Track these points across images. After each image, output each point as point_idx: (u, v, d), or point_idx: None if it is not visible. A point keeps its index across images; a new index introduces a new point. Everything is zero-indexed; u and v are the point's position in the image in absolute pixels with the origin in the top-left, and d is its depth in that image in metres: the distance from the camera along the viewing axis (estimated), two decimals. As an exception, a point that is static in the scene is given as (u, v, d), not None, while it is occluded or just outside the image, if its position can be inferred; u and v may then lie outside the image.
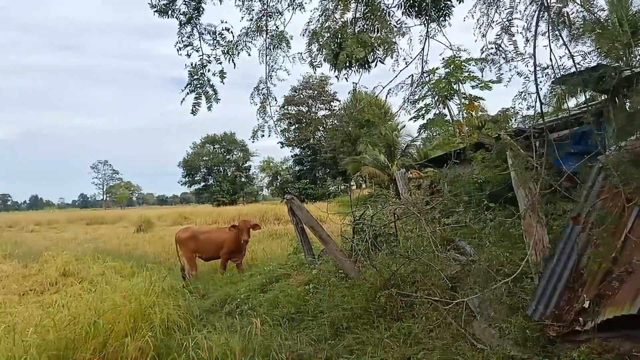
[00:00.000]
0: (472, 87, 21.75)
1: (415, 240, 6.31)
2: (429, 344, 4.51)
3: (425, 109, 24.46)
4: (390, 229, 6.91)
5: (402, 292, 5.34)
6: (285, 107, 63.89)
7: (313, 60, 6.07)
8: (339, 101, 65.49)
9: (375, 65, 6.15)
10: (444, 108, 23.45)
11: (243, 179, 79.13)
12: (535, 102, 4.78)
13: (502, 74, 5.20)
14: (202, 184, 79.64)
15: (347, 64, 5.81)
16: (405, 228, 7.07)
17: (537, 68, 4.59)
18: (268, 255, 12.26)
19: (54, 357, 4.08)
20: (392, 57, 5.64)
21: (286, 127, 65.76)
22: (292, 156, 68.50)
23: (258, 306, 6.84)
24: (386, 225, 6.76)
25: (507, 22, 5.24)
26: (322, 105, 67.29)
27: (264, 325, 5.26)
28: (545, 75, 4.79)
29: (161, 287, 5.92)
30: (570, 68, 4.86)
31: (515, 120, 6.77)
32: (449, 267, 5.69)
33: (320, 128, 66.68)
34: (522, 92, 4.91)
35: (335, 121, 62.84)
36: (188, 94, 5.67)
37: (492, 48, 5.30)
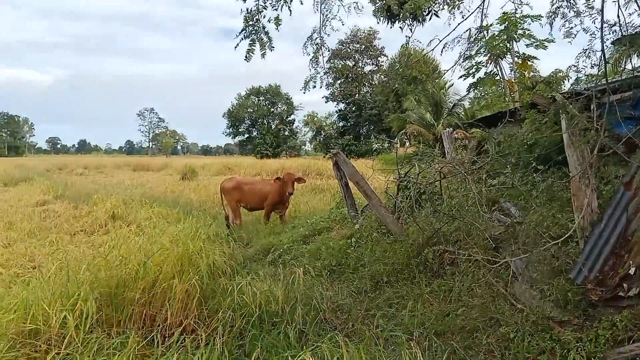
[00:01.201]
0: (527, 45, 20.90)
1: (460, 200, 6.25)
2: (469, 301, 4.54)
3: (476, 67, 23.74)
4: (435, 187, 6.86)
5: (446, 250, 5.35)
6: (332, 60, 63.02)
7: (376, 12, 5.93)
8: (387, 56, 64.20)
9: (430, 18, 6.00)
10: (496, 67, 22.71)
11: (286, 133, 79.33)
12: (600, 60, 4.58)
13: (572, 27, 4.97)
14: (246, 135, 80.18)
15: (410, 14, 5.65)
16: (451, 187, 7.00)
17: (604, 25, 4.38)
18: (310, 209, 12.40)
19: (106, 294, 4.28)
20: (456, 8, 5.46)
21: (331, 81, 65.08)
22: (336, 111, 67.99)
23: (300, 257, 6.99)
24: (431, 184, 6.70)
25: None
26: (369, 60, 66.10)
27: (306, 275, 5.38)
28: (613, 32, 4.57)
29: (206, 234, 6.07)
30: (639, 26, 4.62)
31: (569, 81, 6.53)
32: (493, 227, 5.64)
33: (366, 83, 65.76)
34: (586, 50, 4.71)
35: (382, 77, 61.74)
36: (242, 40, 5.66)
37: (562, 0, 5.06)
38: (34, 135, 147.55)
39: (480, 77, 24.29)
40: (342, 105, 66.45)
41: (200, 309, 4.41)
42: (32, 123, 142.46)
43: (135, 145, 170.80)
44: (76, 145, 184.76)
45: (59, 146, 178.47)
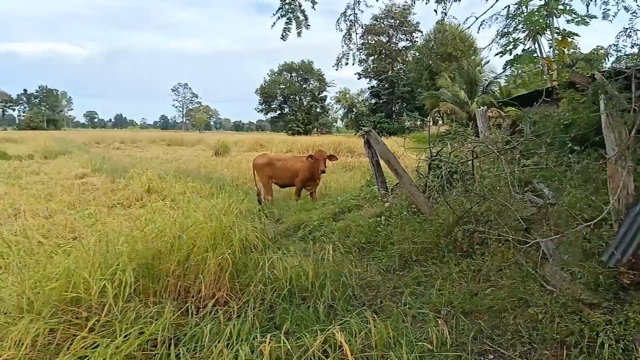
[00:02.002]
0: (567, 21, 20.17)
1: (492, 180, 6.20)
2: (498, 282, 4.54)
3: (513, 43, 23.14)
4: (467, 167, 6.82)
5: (476, 230, 5.34)
6: (365, 36, 62.30)
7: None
8: (421, 32, 63.19)
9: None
10: (534, 44, 22.09)
11: (318, 109, 79.18)
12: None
13: (608, 9, 4.82)
14: (278, 112, 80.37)
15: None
16: (483, 167, 6.94)
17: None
18: (341, 186, 12.45)
19: (142, 266, 4.41)
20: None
21: (364, 57, 64.41)
22: (368, 88, 67.49)
23: (330, 233, 7.05)
24: (463, 163, 6.66)
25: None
26: (403, 36, 65.23)
27: (336, 252, 5.43)
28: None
29: (239, 209, 6.17)
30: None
31: (609, 59, 6.35)
32: (525, 208, 5.59)
33: (400, 60, 64.90)
34: (627, 29, 4.58)
35: (416, 53, 60.83)
36: (279, 18, 5.68)
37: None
38: (72, 109, 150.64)
39: (517, 55, 23.67)
40: (374, 82, 65.91)
41: (232, 282, 4.53)
42: (70, 97, 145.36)
43: (170, 120, 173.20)
44: (112, 120, 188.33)
45: (96, 120, 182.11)
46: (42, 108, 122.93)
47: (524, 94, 15.32)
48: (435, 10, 5.90)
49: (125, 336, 3.39)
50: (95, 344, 3.39)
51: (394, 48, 64.81)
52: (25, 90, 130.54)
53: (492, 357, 3.61)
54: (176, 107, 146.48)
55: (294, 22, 5.66)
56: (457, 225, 5.50)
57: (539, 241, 4.59)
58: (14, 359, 3.27)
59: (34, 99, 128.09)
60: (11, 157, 22.94)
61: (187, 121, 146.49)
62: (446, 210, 5.92)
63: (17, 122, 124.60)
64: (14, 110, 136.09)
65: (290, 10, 5.61)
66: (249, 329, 3.66)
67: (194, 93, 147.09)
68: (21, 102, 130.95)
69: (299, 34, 5.68)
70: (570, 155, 6.11)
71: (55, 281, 3.93)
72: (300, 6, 5.66)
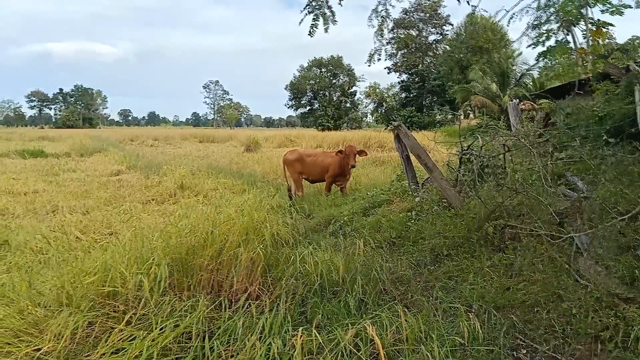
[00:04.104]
0: (602, 11, 19.65)
1: (524, 174, 6.11)
2: (530, 276, 4.48)
3: (546, 35, 22.67)
4: (498, 160, 6.73)
5: (508, 224, 5.28)
6: (395, 30, 61.81)
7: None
8: (452, 25, 62.38)
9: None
10: (568, 34, 21.60)
11: (348, 105, 78.95)
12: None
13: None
14: (308, 107, 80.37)
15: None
16: (515, 160, 6.84)
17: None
18: (371, 181, 12.43)
19: (176, 260, 4.49)
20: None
21: (394, 51, 63.93)
22: (398, 82, 67.08)
23: (360, 228, 7.06)
24: (495, 157, 6.58)
25: None
26: (433, 29, 64.48)
27: (366, 247, 5.44)
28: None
29: (270, 205, 6.22)
30: None
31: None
32: (558, 202, 5.50)
33: (430, 53, 64.20)
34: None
35: (447, 46, 60.11)
36: (306, 15, 5.70)
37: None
38: (106, 107, 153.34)
39: (550, 46, 23.18)
40: (404, 76, 65.44)
41: (264, 276, 4.58)
42: (104, 95, 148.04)
43: (201, 117, 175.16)
44: (146, 117, 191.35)
45: (130, 118, 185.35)
46: (78, 107, 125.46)
47: (557, 85, 15.01)
48: (467, 2, 5.83)
49: (160, 329, 3.46)
50: (132, 337, 3.47)
51: (424, 41, 64.17)
52: (61, 89, 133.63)
53: (524, 351, 3.58)
54: (207, 104, 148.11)
55: (321, 19, 5.68)
56: (488, 220, 5.45)
57: (572, 235, 4.52)
58: (54, 351, 3.38)
59: (69, 98, 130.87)
60: (48, 155, 23.57)
61: (218, 118, 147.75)
62: (477, 205, 5.87)
63: (53, 120, 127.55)
64: (50, 109, 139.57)
65: (317, 7, 5.63)
66: (281, 323, 3.70)
67: (225, 90, 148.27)
68: (57, 101, 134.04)
69: (326, 29, 5.71)
70: (604, 148, 5.98)
71: (93, 275, 4.03)
72: (327, 2, 5.67)
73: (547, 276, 4.36)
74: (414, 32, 63.93)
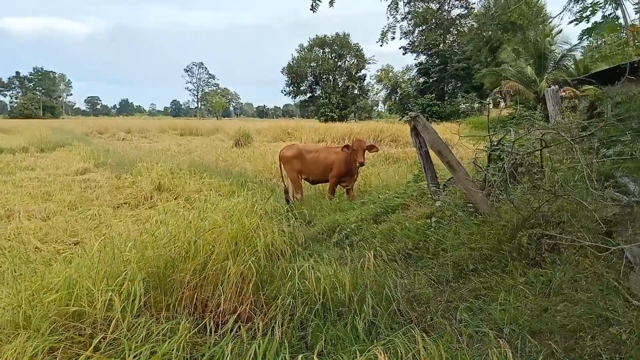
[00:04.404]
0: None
1: (565, 174, 6.10)
2: (572, 295, 4.47)
3: (591, 9, 22.63)
4: (534, 158, 6.72)
5: (545, 234, 5.27)
6: (411, 3, 61.82)
7: None
8: (479, -3, 62.34)
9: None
10: (617, 8, 21.56)
11: (356, 91, 78.98)
12: None
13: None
14: (308, 95, 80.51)
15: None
16: (554, 158, 6.83)
17: None
18: (383, 182, 12.41)
19: (153, 275, 4.49)
20: None
21: (411, 28, 63.92)
22: (415, 65, 67.10)
23: (370, 238, 7.06)
24: (530, 154, 6.57)
25: None
26: (457, 2, 64.41)
27: (377, 259, 5.44)
28: None
29: (263, 210, 6.22)
30: None
31: None
32: (605, 207, 5.48)
33: (453, 31, 64.15)
34: None
35: (473, 22, 60.05)
36: (308, -14, 5.71)
37: None
38: (71, 94, 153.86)
39: (596, 22, 23.12)
40: (422, 58, 65.48)
41: (256, 294, 4.58)
42: (68, 80, 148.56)
43: (182, 106, 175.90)
44: (117, 106, 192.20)
45: (98, 107, 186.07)
46: (37, 93, 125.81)
47: (605, 69, 15.01)
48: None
49: (134, 356, 3.46)
50: (102, 365, 3.47)
51: (446, 17, 64.15)
52: (17, 72, 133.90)
53: (565, 385, 3.57)
54: (190, 90, 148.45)
55: (324, -9, 5.69)
56: (522, 228, 5.44)
57: (622, 247, 4.50)
58: (9, 382, 3.38)
59: (27, 83, 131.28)
60: (2, 151, 23.59)
61: (202, 107, 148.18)
62: (509, 210, 5.86)
63: (8, 109, 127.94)
64: (4, 95, 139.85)
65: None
66: (277, 350, 3.69)
67: (210, 74, 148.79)
68: (13, 86, 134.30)
69: (331, 3, 5.72)
70: (662, 142, 5.97)
71: (55, 293, 4.03)
72: (333, -30, 5.68)
73: (592, 295, 4.35)
74: (434, 6, 63.88)
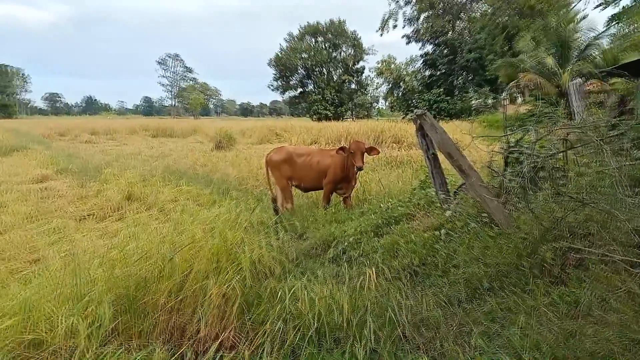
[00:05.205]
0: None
1: (593, 179, 6.11)
2: (602, 317, 4.47)
3: (621, -10, 22.76)
4: (557, 161, 6.73)
5: (571, 247, 5.27)
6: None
7: None
8: (493, -22, 62.64)
9: None
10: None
11: (353, 86, 79.07)
12: None
13: None
14: (299, 90, 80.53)
15: None
16: (580, 161, 6.85)
17: None
18: (385, 189, 12.41)
19: (123, 297, 4.47)
20: None
21: (415, 14, 64.11)
22: (421, 56, 67.15)
23: (371, 253, 7.05)
24: (552, 156, 6.58)
25: None
26: (468, -17, 64.66)
27: (379, 277, 5.44)
28: None
29: (249, 222, 6.21)
30: None
31: None
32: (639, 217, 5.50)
33: (464, 16, 64.41)
34: None
35: (486, 7, 60.29)
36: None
37: None
38: (30, 91, 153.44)
39: (626, 6, 23.26)
40: (429, 48, 65.64)
41: (241, 318, 4.57)
42: (26, 75, 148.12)
43: (155, 104, 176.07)
44: (81, 104, 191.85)
45: (59, 105, 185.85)
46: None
47: (636, 60, 15.08)
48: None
49: (102, 391, 3.44)
50: (64, 401, 3.45)
51: (455, 1, 64.38)
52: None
53: (595, 420, 3.56)
54: (164, 85, 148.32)
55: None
56: (545, 241, 5.44)
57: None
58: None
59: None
60: (-51, 156, 23.49)
61: (178, 104, 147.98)
62: (530, 221, 5.86)
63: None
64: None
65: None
66: (265, 382, 3.68)
67: (187, 67, 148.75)
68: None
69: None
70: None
71: (10, 318, 4.00)
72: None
73: (625, 317, 4.35)
74: (442, -12, 64.22)
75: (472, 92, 59.55)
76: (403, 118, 52.77)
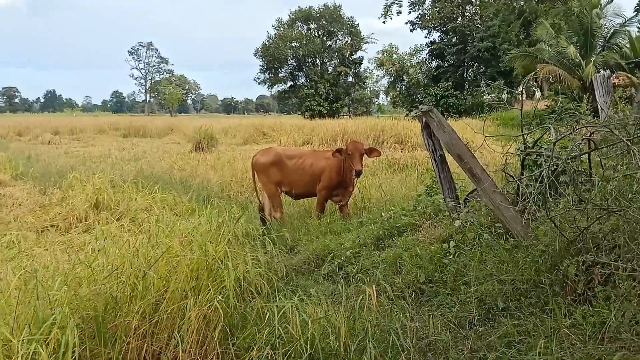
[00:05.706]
0: None
1: (620, 184, 6.13)
2: (632, 340, 4.47)
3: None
4: (580, 163, 6.75)
5: (597, 261, 5.28)
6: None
7: None
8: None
9: None
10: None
11: (350, 79, 79.08)
12: None
13: None
14: (289, 84, 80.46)
15: None
16: (606, 164, 6.86)
17: None
18: (386, 196, 12.42)
19: (90, 320, 4.45)
20: None
21: (420, -2, 64.22)
22: (426, 45, 67.15)
23: (371, 268, 7.05)
24: (575, 158, 6.60)
25: None
26: (480, -37, 64.86)
27: (381, 296, 5.44)
28: None
29: (233, 233, 6.21)
30: None
31: None
32: (672, 227, 5.51)
33: (475, 0, 64.56)
34: None
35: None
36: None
37: None
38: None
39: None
40: (435, 35, 65.69)
41: (224, 344, 4.56)
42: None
43: (126, 99, 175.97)
44: (41, 99, 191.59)
45: (16, 101, 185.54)
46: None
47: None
48: None
49: None
50: None
51: (465, -18, 64.60)
52: None
53: None
54: (136, 78, 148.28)
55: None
56: (567, 255, 5.45)
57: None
58: None
59: None
60: None
61: (152, 100, 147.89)
62: (550, 232, 5.87)
63: None
64: None
65: None
66: (251, 416, 3.68)
67: (162, 57, 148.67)
68: None
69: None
70: None
71: (-38, 344, 3.99)
72: None
73: (657, 340, 4.36)
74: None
75: (484, 85, 59.59)
76: (406, 115, 52.87)
